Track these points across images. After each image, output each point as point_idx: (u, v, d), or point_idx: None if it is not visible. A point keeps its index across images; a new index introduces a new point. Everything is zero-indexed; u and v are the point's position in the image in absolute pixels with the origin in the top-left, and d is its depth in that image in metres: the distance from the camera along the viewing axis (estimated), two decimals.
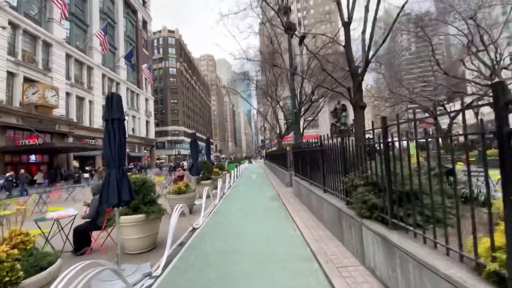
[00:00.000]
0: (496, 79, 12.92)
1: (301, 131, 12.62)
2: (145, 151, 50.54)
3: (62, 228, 4.61)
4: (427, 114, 24.07)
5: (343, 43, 6.48)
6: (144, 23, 54.52)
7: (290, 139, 35.05)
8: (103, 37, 31.48)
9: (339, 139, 4.31)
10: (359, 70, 6.00)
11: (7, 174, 17.44)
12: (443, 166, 2.52)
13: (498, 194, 4.18)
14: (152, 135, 53.71)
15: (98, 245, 4.57)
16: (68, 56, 30.01)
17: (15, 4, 23.46)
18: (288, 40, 9.34)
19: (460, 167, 5.76)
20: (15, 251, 2.31)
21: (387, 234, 2.64)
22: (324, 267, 3.39)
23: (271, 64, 10.07)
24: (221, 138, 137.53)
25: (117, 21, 42.42)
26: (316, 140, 5.84)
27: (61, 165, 27.46)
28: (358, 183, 3.39)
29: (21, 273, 2.11)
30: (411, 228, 2.46)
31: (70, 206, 8.67)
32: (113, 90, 39.89)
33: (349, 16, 6.00)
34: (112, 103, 3.53)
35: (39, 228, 4.41)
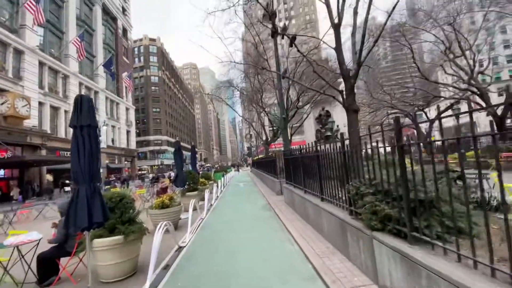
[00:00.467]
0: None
1: (290, 137, 12.39)
2: (126, 162, 48.47)
3: (22, 256, 3.90)
4: (407, 119, 24.85)
5: (331, 47, 6.36)
6: (124, 31, 53.25)
7: (277, 145, 34.90)
8: (79, 43, 30.18)
9: (338, 143, 4.01)
10: (351, 73, 5.85)
11: None
12: (459, 171, 2.25)
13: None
14: (133, 145, 51.73)
15: (67, 273, 3.91)
16: (41, 64, 28.36)
17: None
18: (274, 43, 9.17)
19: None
20: None
21: (408, 250, 2.31)
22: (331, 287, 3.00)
23: (259, 66, 9.84)
24: (206, 147, 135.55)
25: (95, 29, 41.03)
26: (310, 146, 5.54)
27: (33, 179, 25.47)
28: (366, 192, 3.07)
29: None
30: (439, 243, 2.14)
31: (40, 225, 7.75)
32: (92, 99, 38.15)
33: (339, 17, 5.86)
34: (82, 107, 3.01)
35: None
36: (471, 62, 13.75)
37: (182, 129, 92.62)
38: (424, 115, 27.30)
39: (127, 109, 50.05)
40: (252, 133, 45.31)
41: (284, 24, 7.62)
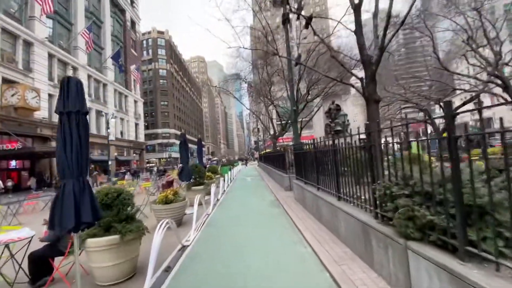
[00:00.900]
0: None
1: (299, 131, 11.85)
2: (134, 154, 48.89)
3: (13, 256, 3.61)
4: (421, 113, 23.72)
5: (350, 29, 5.76)
6: (133, 23, 53.03)
7: (285, 140, 34.33)
8: (87, 35, 30.10)
9: (362, 136, 3.52)
10: (372, 59, 5.26)
11: None
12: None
13: None
14: (141, 138, 52.07)
15: (61, 274, 3.61)
16: (50, 56, 28.45)
17: None
18: (285, 31, 8.58)
19: None
20: None
21: (459, 268, 1.84)
22: None
23: (270, 52, 9.27)
24: (213, 141, 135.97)
25: (103, 21, 40.90)
26: (324, 140, 5.05)
27: (44, 170, 25.88)
28: (399, 193, 2.58)
29: None
30: (508, 263, 1.66)
31: (45, 217, 7.51)
32: (100, 91, 38.33)
33: None
34: (69, 90, 2.62)
35: None
36: (497, 50, 12.75)
37: (189, 123, 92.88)
38: (439, 109, 26.12)
39: (135, 101, 50.21)
40: (260, 127, 44.78)
41: (300, 1, 6.99)
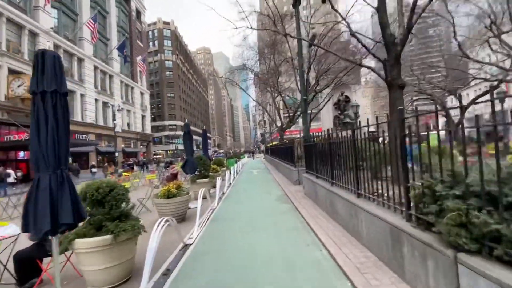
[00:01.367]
0: None
1: (309, 122, 11.28)
2: (141, 146, 49.09)
3: None
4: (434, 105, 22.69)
5: (372, 6, 5.08)
6: (138, 13, 52.33)
7: (293, 132, 33.69)
8: (93, 25, 29.73)
9: (393, 124, 3.00)
10: (397, 39, 4.63)
11: None
12: None
13: None
14: (148, 130, 52.15)
15: (49, 276, 3.27)
16: (56, 47, 28.21)
17: None
18: (296, 14, 7.93)
19: None
20: None
21: None
22: None
23: (281, 33, 8.63)
24: (219, 133, 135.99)
25: (109, 11, 40.39)
26: (341, 130, 4.53)
27: None
28: (447, 193, 2.08)
29: None
30: None
31: None
32: (106, 82, 38.20)
33: None
34: (44, 66, 2.17)
35: None
36: None
37: (196, 115, 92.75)
38: (451, 102, 25.03)
39: (141, 93, 50.07)
40: (266, 119, 44.13)
41: None
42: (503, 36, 13.33)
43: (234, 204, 7.75)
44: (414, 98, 27.68)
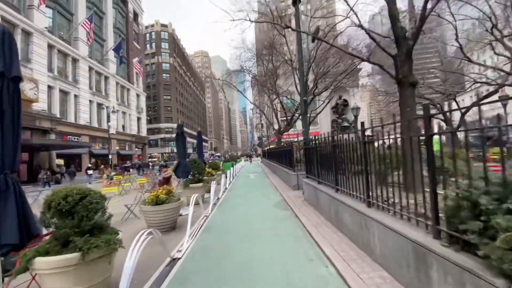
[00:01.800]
0: None
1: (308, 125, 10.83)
2: (136, 149, 48.33)
3: None
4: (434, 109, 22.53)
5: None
6: (135, 15, 52.03)
7: (291, 135, 33.30)
8: (88, 26, 29.26)
9: (417, 122, 2.58)
10: (408, 33, 4.25)
11: None
12: None
13: None
14: (144, 132, 51.46)
15: None
16: (50, 47, 27.67)
17: None
18: (296, 11, 7.55)
19: None
20: None
21: None
22: None
23: (281, 24, 8.20)
24: (216, 136, 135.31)
25: (105, 12, 40.00)
26: (349, 131, 4.09)
27: (43, 164, 25.27)
28: (493, 207, 1.64)
29: None
30: None
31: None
32: (102, 84, 37.60)
33: None
34: None
35: None
36: None
37: (193, 118, 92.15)
38: (449, 106, 24.95)
39: (137, 95, 49.47)
40: (264, 122, 43.74)
41: None
42: (505, 40, 13.16)
43: (230, 210, 7.25)
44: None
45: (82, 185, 2.91)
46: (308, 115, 17.99)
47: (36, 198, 9.83)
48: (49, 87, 27.07)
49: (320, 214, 5.76)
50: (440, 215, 2.23)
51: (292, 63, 14.65)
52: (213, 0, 9.19)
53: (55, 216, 2.61)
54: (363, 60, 5.26)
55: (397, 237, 2.69)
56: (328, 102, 17.26)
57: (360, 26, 4.68)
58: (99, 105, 36.12)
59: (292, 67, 14.68)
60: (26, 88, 22.38)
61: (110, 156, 30.84)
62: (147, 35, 72.50)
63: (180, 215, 6.55)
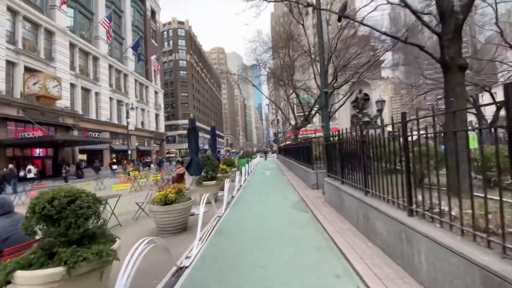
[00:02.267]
0: None
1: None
2: (155, 144, 49.36)
3: None
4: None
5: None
6: (153, 13, 52.71)
7: (308, 131, 32.38)
8: (108, 25, 29.86)
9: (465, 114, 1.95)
10: (456, 7, 3.51)
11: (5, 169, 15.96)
12: None
13: None
14: (162, 129, 52.44)
15: None
16: (72, 46, 28.57)
17: None
18: None
19: None
20: None
21: None
22: None
23: (304, 3, 7.56)
24: (232, 132, 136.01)
25: (124, 10, 40.76)
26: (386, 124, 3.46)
27: (67, 159, 26.30)
28: None
29: None
30: None
31: None
32: (121, 81, 38.53)
33: None
34: None
35: None
36: None
37: (209, 114, 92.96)
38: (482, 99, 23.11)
39: (155, 92, 50.36)
40: (280, 118, 42.95)
41: None
42: None
43: (244, 210, 6.80)
44: (439, 96, 25.65)
45: (73, 186, 2.54)
46: (332, 104, 17.10)
47: None
48: (72, 85, 28.00)
49: (343, 218, 5.15)
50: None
51: (311, 54, 13.87)
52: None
53: (40, 222, 2.26)
54: (399, 40, 4.53)
55: (457, 260, 2.07)
56: (350, 95, 16.26)
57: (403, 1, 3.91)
58: (119, 102, 37.06)
59: (311, 58, 13.90)
60: (50, 86, 23.25)
61: (129, 152, 31.61)
62: (165, 33, 73.55)
63: (192, 214, 6.20)
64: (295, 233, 4.72)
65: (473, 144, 4.09)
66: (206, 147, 60.65)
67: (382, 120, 13.50)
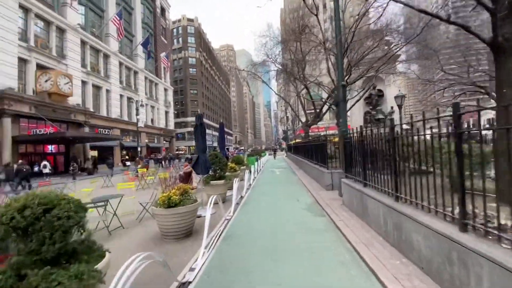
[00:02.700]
0: None
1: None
2: (164, 142, 49.61)
3: None
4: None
5: None
6: (162, 10, 52.74)
7: (320, 129, 31.52)
8: (118, 22, 29.87)
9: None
10: None
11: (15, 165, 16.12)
12: None
13: None
14: (171, 126, 52.66)
15: None
16: (83, 43, 28.76)
17: None
18: None
19: None
20: None
21: None
22: None
23: None
24: (241, 130, 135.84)
25: (134, 7, 40.86)
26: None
27: (78, 155, 26.59)
28: None
29: None
30: None
31: None
32: (131, 78, 38.72)
33: None
34: None
35: None
36: None
37: (218, 111, 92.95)
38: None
39: (165, 89, 50.50)
40: (289, 115, 42.16)
41: None
42: None
43: (254, 213, 6.32)
44: (457, 93, 24.35)
45: (51, 192, 2.11)
46: (348, 99, 16.34)
47: (61, 191, 9.78)
48: (83, 82, 28.22)
49: (366, 224, 4.59)
50: None
51: (325, 46, 13.17)
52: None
53: (9, 236, 1.85)
54: (442, 20, 3.91)
55: None
56: (367, 90, 15.46)
57: None
58: (129, 99, 37.28)
59: (325, 50, 13.20)
60: (61, 83, 23.44)
61: (139, 149, 31.74)
62: (174, 30, 73.68)
63: (199, 216, 5.79)
64: (312, 241, 4.20)
65: None
66: (215, 144, 60.61)
67: (400, 118, 12.70)
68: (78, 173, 20.85)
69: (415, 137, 3.20)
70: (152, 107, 45.06)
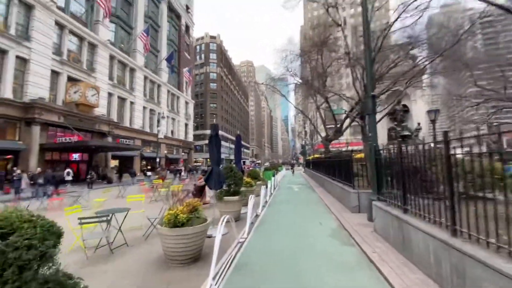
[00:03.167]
0: None
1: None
2: (183, 153, 50.26)
3: None
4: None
5: None
6: (187, 27, 55.27)
7: (341, 145, 30.37)
8: (145, 38, 31.44)
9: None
10: None
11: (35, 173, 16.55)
12: None
13: None
14: (190, 138, 53.50)
15: None
16: (111, 57, 30.38)
17: (62, 5, 23.96)
18: None
19: None
20: None
21: None
22: None
23: None
24: (258, 143, 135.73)
25: (160, 25, 43.07)
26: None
27: (100, 164, 27.34)
28: None
29: None
30: None
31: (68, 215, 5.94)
32: (154, 92, 40.14)
33: None
34: None
35: None
36: None
37: (236, 125, 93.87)
38: None
39: (186, 103, 51.86)
40: (308, 129, 41.23)
41: None
42: None
43: (271, 237, 5.62)
44: (491, 110, 22.44)
45: (15, 210, 1.65)
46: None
47: (76, 200, 9.70)
48: (109, 94, 29.51)
49: (408, 260, 3.75)
50: None
51: (350, 57, 12.59)
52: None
53: None
54: (497, 6, 3.25)
55: None
56: (394, 105, 14.55)
57: None
58: (151, 111, 38.46)
59: (350, 61, 12.60)
60: (89, 94, 24.59)
61: (158, 159, 32.17)
62: (197, 47, 76.87)
63: (209, 237, 5.20)
64: (343, 281, 3.43)
65: None
66: (232, 157, 60.55)
67: (434, 136, 11.59)
68: (97, 182, 21.22)
69: (477, 156, 2.48)
70: (173, 119, 46.17)
